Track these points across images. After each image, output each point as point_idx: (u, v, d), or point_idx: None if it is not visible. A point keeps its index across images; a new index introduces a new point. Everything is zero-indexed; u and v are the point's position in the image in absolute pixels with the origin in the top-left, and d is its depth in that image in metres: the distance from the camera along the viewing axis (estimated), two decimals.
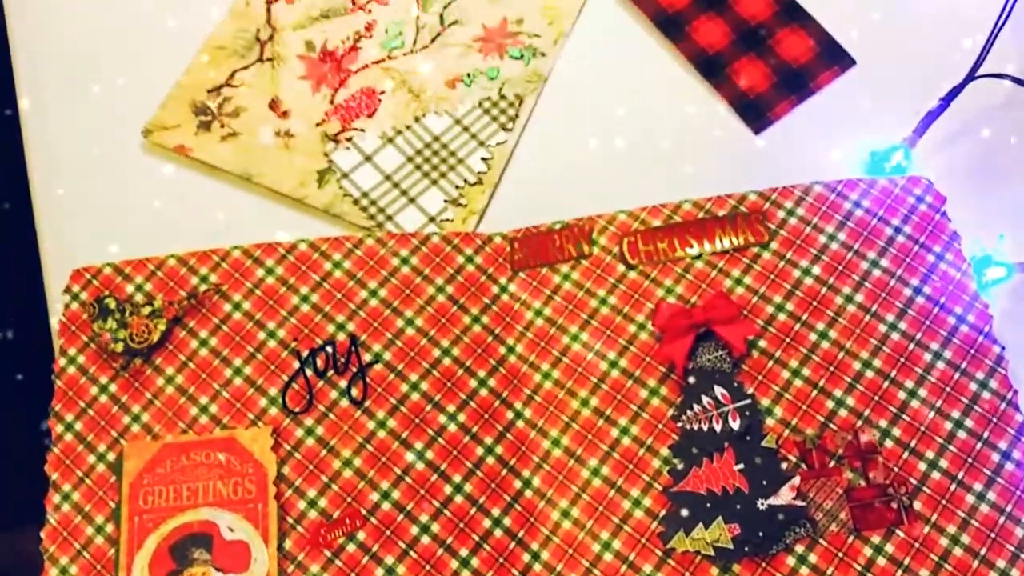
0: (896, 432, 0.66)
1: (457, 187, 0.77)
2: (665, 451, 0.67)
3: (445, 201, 0.77)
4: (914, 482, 0.65)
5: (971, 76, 0.77)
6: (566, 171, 0.79)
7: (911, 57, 0.82)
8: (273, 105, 0.80)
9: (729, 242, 0.73)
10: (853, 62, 0.83)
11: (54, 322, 0.72)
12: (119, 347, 0.69)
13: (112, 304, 0.70)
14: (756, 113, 0.81)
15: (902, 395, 0.67)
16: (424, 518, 0.65)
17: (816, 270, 0.71)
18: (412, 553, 0.65)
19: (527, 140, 0.80)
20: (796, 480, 0.65)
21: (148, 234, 0.75)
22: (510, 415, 0.69)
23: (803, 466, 0.65)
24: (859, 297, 0.70)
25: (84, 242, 0.75)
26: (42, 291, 0.73)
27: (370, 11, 0.84)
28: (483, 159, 0.78)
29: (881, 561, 0.63)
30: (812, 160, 0.79)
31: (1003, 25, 0.77)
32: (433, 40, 0.83)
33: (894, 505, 0.64)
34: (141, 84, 0.81)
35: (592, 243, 0.74)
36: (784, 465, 0.65)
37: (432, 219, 0.76)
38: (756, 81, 0.82)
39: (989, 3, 0.79)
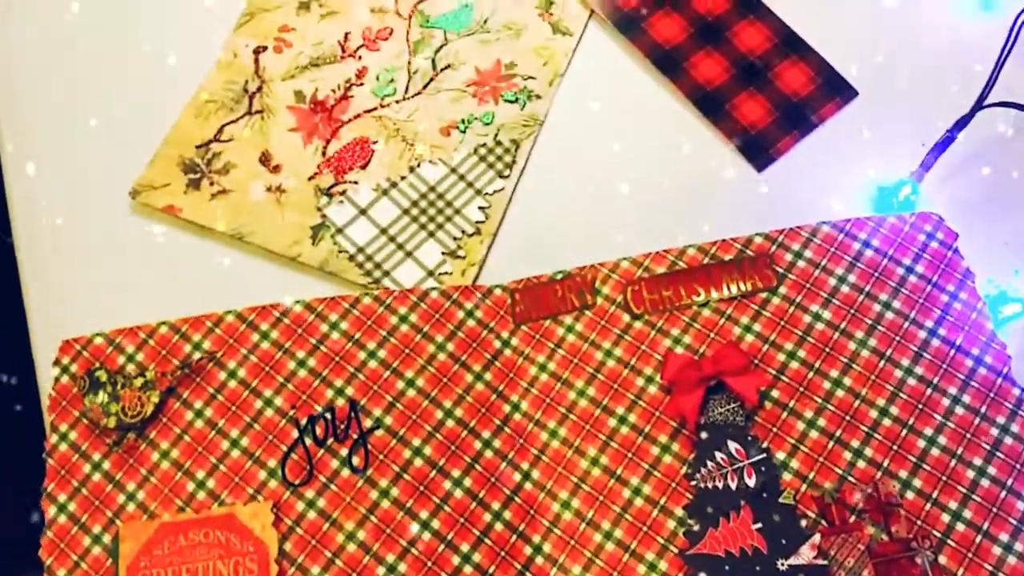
0: (917, 483, 0.64)
1: (455, 238, 0.75)
2: (680, 511, 0.64)
3: (443, 254, 0.75)
4: (938, 535, 0.63)
5: (978, 106, 0.75)
6: (566, 217, 0.77)
7: (914, 88, 0.81)
8: (264, 159, 0.78)
9: (736, 288, 0.70)
10: (855, 93, 0.81)
11: (44, 397, 0.70)
12: (111, 422, 0.67)
13: (103, 376, 0.68)
14: (758, 150, 0.79)
15: (921, 443, 0.65)
16: None
17: (827, 315, 0.69)
18: None
19: (525, 186, 0.78)
20: (816, 538, 0.63)
21: (139, 300, 0.73)
22: (517, 477, 0.67)
23: (823, 522, 0.63)
24: (872, 341, 0.68)
25: (73, 311, 0.73)
26: (31, 364, 0.71)
27: (360, 58, 0.82)
28: (480, 208, 0.76)
29: None
30: (818, 197, 0.77)
31: (1009, 53, 0.75)
32: (426, 86, 0.81)
33: (919, 560, 0.62)
34: (128, 142, 0.79)
35: (595, 292, 0.72)
36: (803, 522, 0.63)
37: (430, 273, 0.74)
38: (757, 116, 0.80)
39: (991, 33, 0.77)
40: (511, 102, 0.80)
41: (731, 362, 0.67)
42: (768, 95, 0.81)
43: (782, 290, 0.70)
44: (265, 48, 0.82)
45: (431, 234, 0.75)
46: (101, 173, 0.78)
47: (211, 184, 0.77)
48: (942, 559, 0.62)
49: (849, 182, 0.77)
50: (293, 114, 0.80)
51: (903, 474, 0.64)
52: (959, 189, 0.76)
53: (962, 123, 0.75)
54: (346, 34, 0.83)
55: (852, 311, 0.69)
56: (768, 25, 0.83)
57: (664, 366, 0.68)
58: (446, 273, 0.74)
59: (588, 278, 0.72)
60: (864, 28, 0.84)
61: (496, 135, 0.79)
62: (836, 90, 0.81)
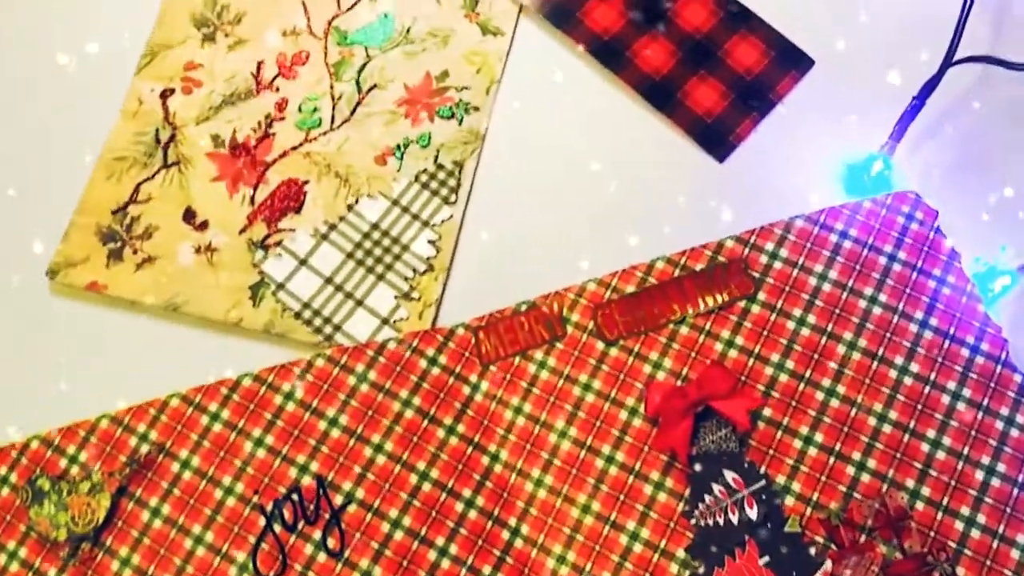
0: (925, 491, 0.61)
1: (406, 278, 0.70)
2: (682, 553, 0.61)
3: (396, 297, 0.69)
4: (953, 545, 0.59)
5: (947, 64, 0.70)
6: (520, 239, 0.71)
7: (873, 51, 0.75)
8: (188, 217, 0.72)
9: (713, 300, 0.66)
10: (812, 62, 0.76)
11: None
12: (62, 533, 0.62)
13: (46, 485, 0.63)
14: (717, 139, 0.74)
15: (925, 447, 0.62)
16: None
17: (811, 318, 0.65)
18: None
19: (473, 210, 0.72)
20: (828, 565, 0.59)
21: (72, 392, 0.67)
22: (506, 535, 0.62)
23: (832, 546, 0.60)
24: (862, 342, 0.64)
25: (2, 415, 0.67)
26: None
27: (278, 89, 0.75)
28: (430, 242, 0.71)
29: None
30: (784, 181, 0.72)
31: (971, 7, 0.70)
32: (353, 111, 0.74)
33: (937, 575, 0.59)
34: (36, 214, 0.72)
35: (564, 321, 0.67)
36: (812, 550, 0.60)
37: (385, 321, 0.69)
38: (712, 102, 0.74)
39: None
40: (447, 118, 0.74)
41: (717, 385, 0.62)
42: (720, 76, 0.75)
43: (761, 296, 0.66)
44: (172, 91, 0.75)
45: (380, 277, 0.70)
46: (10, 251, 0.71)
47: (134, 252, 0.70)
48: (960, 571, 0.59)
49: (816, 161, 0.73)
50: (213, 161, 0.73)
51: (910, 483, 0.61)
52: (931, 155, 0.72)
53: (930, 86, 0.70)
54: (259, 64, 0.76)
55: (837, 311, 0.65)
56: None
57: (647, 397, 0.63)
58: (402, 319, 0.69)
59: (554, 307, 0.67)
60: None
61: (436, 158, 0.73)
62: (792, 62, 0.76)
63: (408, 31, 0.77)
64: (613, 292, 0.67)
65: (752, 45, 0.76)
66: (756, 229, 0.68)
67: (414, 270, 0.70)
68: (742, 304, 0.66)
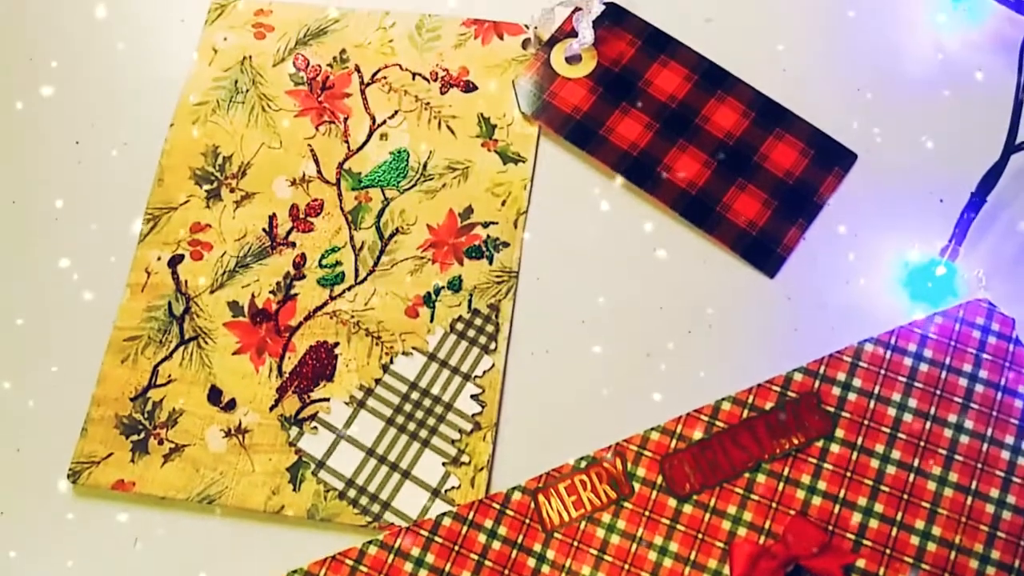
0: None
1: (453, 441, 0.65)
2: None
3: (444, 464, 0.65)
4: None
5: (1009, 150, 0.66)
6: (568, 384, 0.67)
7: (917, 135, 0.71)
8: (214, 397, 0.67)
9: (788, 442, 0.61)
10: (854, 156, 0.72)
11: None
12: None
13: None
14: (765, 252, 0.69)
15: None
16: None
17: (895, 454, 0.61)
18: None
19: (515, 356, 0.68)
20: None
21: None
22: None
23: None
24: (953, 476, 0.60)
25: None
26: None
27: (294, 244, 0.70)
28: (473, 397, 0.66)
29: None
30: (841, 291, 0.68)
31: None
32: (377, 261, 0.70)
33: None
34: (51, 412, 0.67)
35: (629, 477, 0.62)
36: None
37: (436, 492, 0.64)
38: (754, 212, 0.70)
39: (996, 73, 0.68)
40: (477, 258, 0.70)
41: (806, 542, 0.58)
42: (760, 183, 0.71)
43: (839, 433, 0.62)
44: (182, 257, 0.70)
45: (425, 443, 0.65)
46: (30, 456, 0.66)
47: (160, 443, 0.66)
48: None
49: (872, 266, 0.68)
50: (233, 332, 0.68)
51: None
52: (994, 250, 0.68)
53: (991, 177, 0.66)
54: (271, 218, 0.71)
55: (922, 443, 0.61)
56: (739, 98, 0.73)
57: (732, 560, 0.59)
58: (453, 488, 0.64)
59: (617, 462, 0.63)
60: (842, 74, 0.74)
61: (470, 302, 0.69)
62: (833, 158, 0.72)
63: (424, 167, 0.72)
64: (679, 440, 0.63)
65: (789, 144, 0.72)
66: (825, 358, 0.63)
67: (460, 431, 0.65)
68: (820, 444, 0.61)
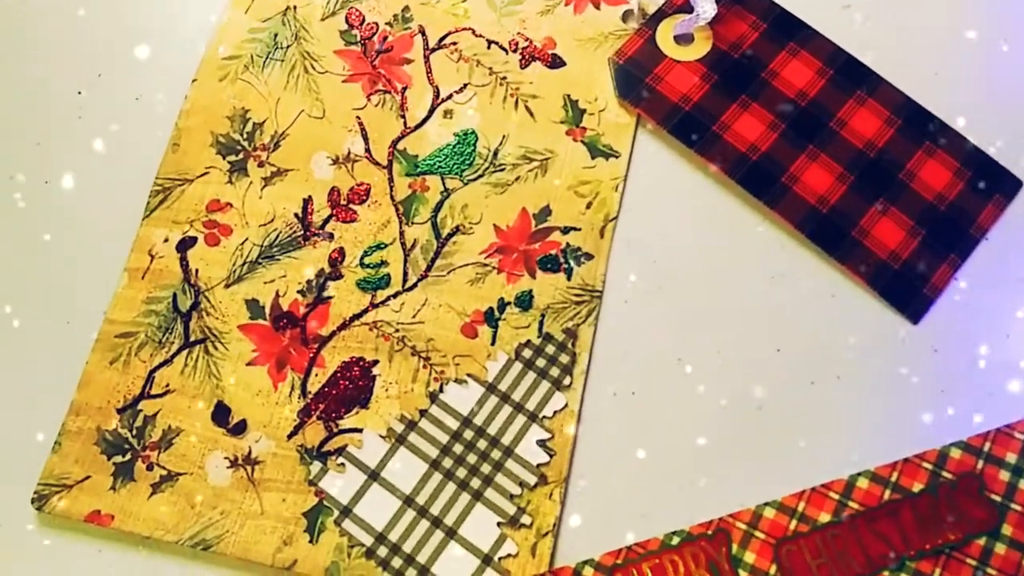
0: None
1: (512, 496, 0.52)
2: None
3: (500, 524, 0.52)
4: None
5: None
6: (658, 436, 0.54)
7: None
8: (220, 416, 0.54)
9: (941, 536, 0.48)
10: (1020, 183, 0.59)
11: None
12: None
13: None
14: (909, 291, 0.56)
15: None
16: None
17: None
18: None
19: (592, 396, 0.55)
20: None
21: None
22: None
23: None
24: None
25: None
26: None
27: (331, 235, 0.58)
28: (540, 443, 0.53)
29: None
30: (1004, 345, 0.55)
31: None
32: (431, 265, 0.57)
33: None
34: (18, 415, 0.55)
35: (734, 562, 0.49)
36: None
37: (487, 560, 0.51)
38: (897, 241, 0.57)
39: None
40: (552, 271, 0.57)
41: None
42: (905, 206, 0.58)
43: (1006, 530, 0.49)
44: (194, 240, 0.58)
45: (477, 496, 0.52)
46: None
47: (149, 468, 0.53)
48: None
49: None
50: (250, 337, 0.56)
51: None
52: None
53: None
54: (305, 202, 0.58)
55: None
56: (883, 101, 0.60)
57: None
58: (509, 556, 0.51)
59: (718, 542, 0.50)
60: (1010, 83, 0.61)
61: (541, 325, 0.56)
62: (995, 184, 0.59)
63: (495, 154, 0.59)
64: (801, 522, 0.50)
65: (942, 162, 0.59)
66: (991, 433, 0.50)
67: (522, 483, 0.53)
68: (981, 542, 0.48)
